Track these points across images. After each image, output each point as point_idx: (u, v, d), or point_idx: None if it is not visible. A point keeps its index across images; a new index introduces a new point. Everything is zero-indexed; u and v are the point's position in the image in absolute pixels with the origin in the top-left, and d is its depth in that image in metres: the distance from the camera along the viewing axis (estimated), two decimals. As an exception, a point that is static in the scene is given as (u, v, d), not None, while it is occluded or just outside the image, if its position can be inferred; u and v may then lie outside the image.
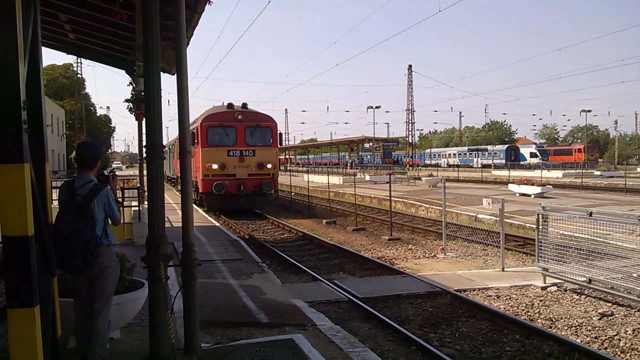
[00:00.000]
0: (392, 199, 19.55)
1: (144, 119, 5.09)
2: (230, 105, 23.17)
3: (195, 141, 22.01)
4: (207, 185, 21.62)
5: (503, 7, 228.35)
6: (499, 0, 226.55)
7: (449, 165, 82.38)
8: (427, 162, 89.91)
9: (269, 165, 22.63)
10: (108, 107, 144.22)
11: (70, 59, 66.38)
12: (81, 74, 65.27)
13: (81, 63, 62.86)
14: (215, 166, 21.72)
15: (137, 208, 14.24)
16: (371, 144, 73.55)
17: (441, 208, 15.10)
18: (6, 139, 3.35)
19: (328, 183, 27.83)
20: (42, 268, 4.04)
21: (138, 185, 15.48)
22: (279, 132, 23.73)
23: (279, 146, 24.61)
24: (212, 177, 21.64)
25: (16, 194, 3.39)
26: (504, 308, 8.77)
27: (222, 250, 12.66)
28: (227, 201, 22.00)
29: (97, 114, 73.50)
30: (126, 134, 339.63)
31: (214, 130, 22.29)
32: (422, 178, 40.35)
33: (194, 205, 21.40)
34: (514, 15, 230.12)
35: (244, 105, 23.45)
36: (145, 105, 5.04)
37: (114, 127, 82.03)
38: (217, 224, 18.24)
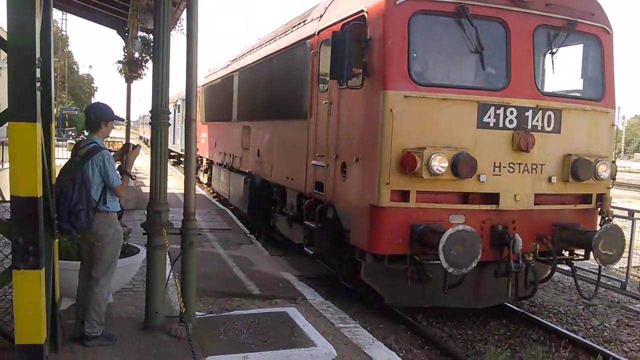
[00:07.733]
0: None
1: (151, 82, 4.96)
2: None
3: (368, 68, 6.15)
4: (397, 230, 5.92)
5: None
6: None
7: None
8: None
9: (602, 169, 6.57)
10: (90, 67, 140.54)
11: (55, 14, 64.59)
12: (65, 31, 63.69)
13: (66, 19, 61.27)
14: (438, 161, 5.69)
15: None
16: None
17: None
18: (21, 97, 3.24)
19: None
20: (45, 230, 3.98)
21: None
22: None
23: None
24: (425, 196, 5.96)
25: (28, 153, 3.30)
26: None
27: (210, 219, 12.60)
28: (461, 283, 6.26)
29: (80, 73, 72.20)
30: (107, 95, 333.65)
31: (436, 29, 6.45)
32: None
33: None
34: None
35: None
36: (153, 67, 4.96)
37: (96, 88, 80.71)
38: (203, 192, 18.09)
